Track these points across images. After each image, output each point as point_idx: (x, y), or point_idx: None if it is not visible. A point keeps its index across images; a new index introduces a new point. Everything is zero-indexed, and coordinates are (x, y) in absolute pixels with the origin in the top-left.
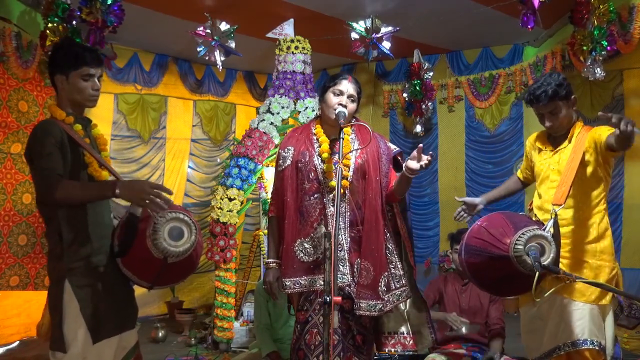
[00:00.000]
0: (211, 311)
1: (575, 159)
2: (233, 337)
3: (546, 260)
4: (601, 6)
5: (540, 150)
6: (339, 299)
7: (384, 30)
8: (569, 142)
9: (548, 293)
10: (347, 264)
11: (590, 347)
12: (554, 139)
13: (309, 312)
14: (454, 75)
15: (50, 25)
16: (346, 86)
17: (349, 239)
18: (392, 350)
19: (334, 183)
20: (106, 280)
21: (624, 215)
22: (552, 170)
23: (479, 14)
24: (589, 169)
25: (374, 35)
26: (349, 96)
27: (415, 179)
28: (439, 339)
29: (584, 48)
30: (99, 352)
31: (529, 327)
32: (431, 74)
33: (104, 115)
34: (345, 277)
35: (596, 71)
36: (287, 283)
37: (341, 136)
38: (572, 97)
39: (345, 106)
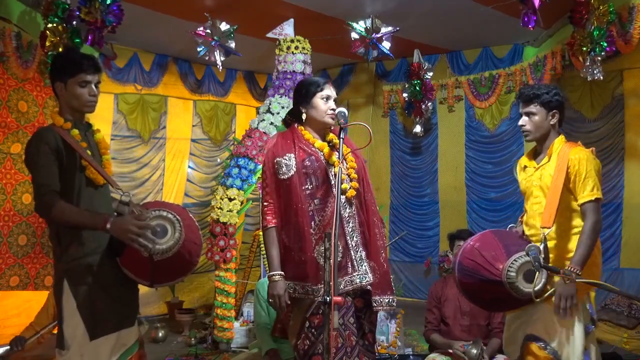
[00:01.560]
0: (211, 311)
1: (559, 178)
2: (233, 337)
3: (537, 284)
4: (601, 7)
5: (525, 167)
6: (339, 299)
7: (384, 30)
8: (549, 159)
9: (548, 293)
10: (365, 263)
11: (532, 341)
12: (537, 155)
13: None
14: (454, 75)
15: (50, 25)
16: (331, 90)
17: (360, 240)
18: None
19: (346, 185)
20: (104, 280)
21: (624, 215)
22: (535, 187)
23: (479, 14)
24: (572, 186)
25: (374, 35)
26: (334, 99)
27: (415, 179)
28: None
29: (583, 49)
30: (95, 349)
31: (511, 335)
32: (431, 74)
33: (104, 115)
34: (367, 276)
35: (595, 72)
36: (320, 290)
37: (341, 136)
38: (554, 110)
39: (335, 110)
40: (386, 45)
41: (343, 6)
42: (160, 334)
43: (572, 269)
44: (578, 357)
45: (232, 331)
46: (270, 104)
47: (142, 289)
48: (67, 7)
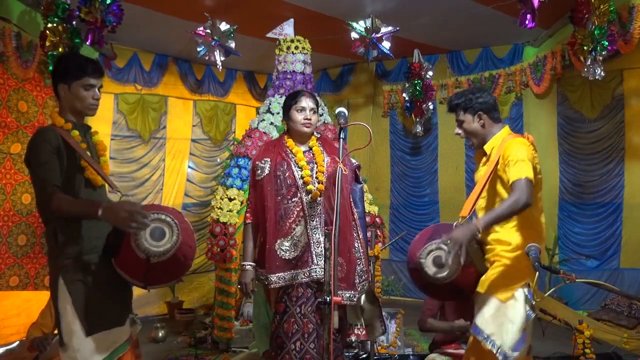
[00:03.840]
0: (211, 311)
1: (488, 170)
2: (233, 337)
3: (445, 270)
4: (601, 6)
5: (478, 166)
6: (339, 299)
7: (384, 30)
8: (489, 156)
9: (547, 293)
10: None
11: (474, 333)
12: (484, 154)
13: (287, 304)
14: (454, 75)
15: (50, 25)
16: (306, 102)
17: (323, 237)
18: (347, 339)
19: (311, 187)
20: (98, 278)
21: (624, 215)
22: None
23: (479, 14)
24: (500, 182)
25: (374, 35)
26: (311, 109)
27: (415, 179)
28: (439, 340)
29: (585, 48)
30: (90, 345)
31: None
32: (431, 74)
33: (104, 115)
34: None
35: (596, 71)
36: (273, 279)
37: (342, 136)
38: (478, 112)
39: (310, 119)
40: (386, 45)
41: (343, 6)
42: (160, 334)
43: (476, 223)
44: (511, 344)
45: (232, 331)
46: (270, 104)
47: (141, 289)
48: (67, 7)
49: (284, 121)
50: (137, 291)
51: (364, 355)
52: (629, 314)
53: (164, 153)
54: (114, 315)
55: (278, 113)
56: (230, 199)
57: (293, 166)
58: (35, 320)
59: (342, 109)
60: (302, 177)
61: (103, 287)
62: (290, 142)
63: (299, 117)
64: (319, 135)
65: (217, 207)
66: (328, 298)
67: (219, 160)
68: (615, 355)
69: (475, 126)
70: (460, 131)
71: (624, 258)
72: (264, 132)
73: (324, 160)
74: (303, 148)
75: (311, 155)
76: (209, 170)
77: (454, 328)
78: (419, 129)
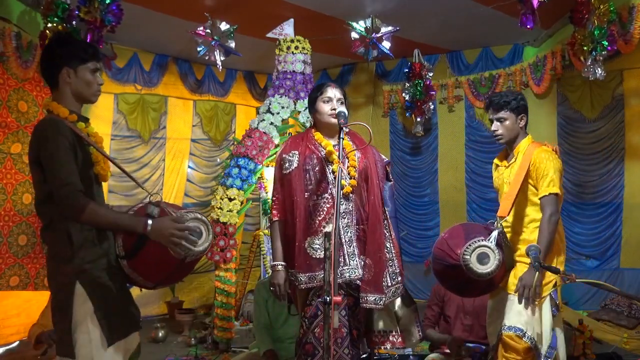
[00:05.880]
0: (211, 311)
1: (521, 173)
2: (233, 337)
3: (490, 266)
4: (601, 6)
5: (497, 166)
6: (339, 298)
7: (384, 30)
8: (516, 158)
9: (547, 294)
10: (357, 258)
11: (508, 332)
12: (507, 155)
13: (318, 306)
14: (454, 75)
15: (50, 25)
16: (332, 92)
17: (355, 236)
18: (382, 347)
19: (343, 182)
20: (116, 282)
21: (624, 215)
22: (505, 184)
23: (479, 14)
24: (529, 187)
25: (374, 35)
26: (338, 99)
27: (415, 179)
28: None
29: (584, 48)
30: (110, 354)
31: (490, 319)
32: (431, 74)
33: (104, 115)
34: (357, 270)
35: (596, 71)
36: (303, 279)
37: (341, 136)
38: (522, 114)
39: (337, 109)
40: (386, 45)
41: (343, 6)
42: (160, 334)
43: (533, 264)
44: (547, 340)
45: (232, 331)
46: (270, 104)
47: (138, 289)
48: (67, 7)
49: (312, 114)
50: (136, 291)
51: (364, 355)
52: (629, 314)
53: (164, 153)
54: (131, 321)
55: (278, 113)
56: (230, 199)
57: (323, 160)
58: (36, 321)
59: (341, 109)
60: (332, 172)
61: (120, 291)
62: (318, 136)
63: (325, 108)
64: (347, 130)
65: (217, 207)
66: (328, 298)
67: (219, 160)
68: (615, 355)
69: (516, 126)
70: (498, 128)
71: (624, 258)
72: (264, 132)
73: (355, 155)
74: (332, 142)
75: (339, 148)
76: (209, 170)
77: (449, 341)
78: (419, 129)
